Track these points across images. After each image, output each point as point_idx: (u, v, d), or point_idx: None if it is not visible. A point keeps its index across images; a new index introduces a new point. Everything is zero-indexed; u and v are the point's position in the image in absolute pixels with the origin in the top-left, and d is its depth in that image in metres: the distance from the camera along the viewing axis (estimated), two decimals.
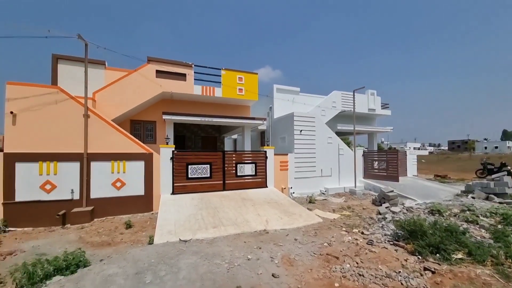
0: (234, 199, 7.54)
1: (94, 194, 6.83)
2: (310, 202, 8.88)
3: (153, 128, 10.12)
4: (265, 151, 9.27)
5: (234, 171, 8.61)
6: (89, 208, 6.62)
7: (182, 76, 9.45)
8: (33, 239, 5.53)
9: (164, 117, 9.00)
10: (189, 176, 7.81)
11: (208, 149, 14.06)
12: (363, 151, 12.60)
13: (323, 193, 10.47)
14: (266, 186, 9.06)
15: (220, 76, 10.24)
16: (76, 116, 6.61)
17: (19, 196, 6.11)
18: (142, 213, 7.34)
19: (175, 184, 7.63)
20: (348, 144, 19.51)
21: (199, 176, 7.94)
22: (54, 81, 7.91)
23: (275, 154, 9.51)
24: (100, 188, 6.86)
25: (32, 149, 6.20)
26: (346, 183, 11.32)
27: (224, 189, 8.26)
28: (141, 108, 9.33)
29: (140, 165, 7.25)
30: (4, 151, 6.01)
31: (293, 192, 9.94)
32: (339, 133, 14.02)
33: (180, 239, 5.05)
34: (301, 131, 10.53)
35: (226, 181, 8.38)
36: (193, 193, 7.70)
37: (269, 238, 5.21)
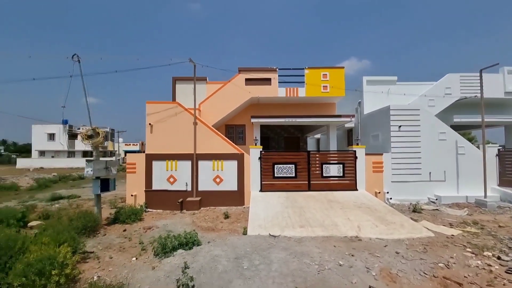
0: (320, 200, 7.34)
1: (201, 187, 8.32)
2: (414, 211, 7.46)
3: (243, 131, 11.30)
4: (354, 151, 8.51)
5: (319, 172, 8.38)
6: (198, 199, 8.11)
7: (267, 81, 10.09)
8: (163, 218, 7.29)
9: (252, 120, 9.89)
10: (276, 175, 8.21)
11: (291, 149, 14.26)
12: (498, 149, 9.38)
13: (433, 202, 8.54)
14: (356, 189, 8.29)
15: (304, 76, 10.22)
16: (188, 124, 8.37)
17: (155, 186, 8.26)
18: (236, 206, 8.31)
19: (263, 182, 8.21)
20: (471, 140, 14.97)
21: (285, 175, 8.21)
22: (174, 98, 10.31)
23: (366, 154, 8.56)
24: (205, 183, 8.30)
25: (161, 151, 8.29)
26: (469, 191, 8.77)
27: (309, 189, 8.17)
28: (233, 114, 10.62)
29: (233, 164, 8.27)
30: (146, 153, 8.31)
31: (390, 198, 8.61)
32: (456, 127, 11.02)
33: (270, 234, 5.39)
34: (399, 126, 8.99)
35: (311, 182, 8.26)
36: (279, 191, 8.04)
37: (362, 246, 4.77)
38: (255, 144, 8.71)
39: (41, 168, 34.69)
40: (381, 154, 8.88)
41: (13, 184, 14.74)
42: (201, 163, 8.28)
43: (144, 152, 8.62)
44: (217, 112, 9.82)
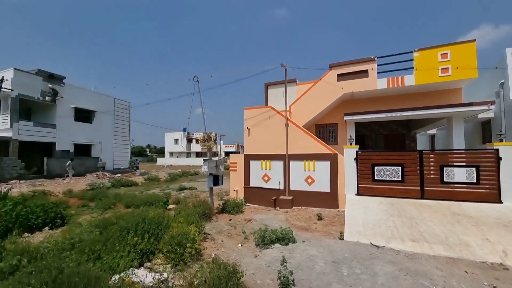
0: (439, 212, 5.93)
1: (292, 187, 8.53)
2: None
3: (334, 130, 10.72)
4: (496, 150, 6.32)
5: (437, 176, 6.76)
6: (290, 198, 8.37)
7: (363, 73, 9.11)
8: (260, 213, 7.98)
9: (346, 118, 9.22)
10: (375, 178, 7.29)
11: (395, 149, 12.21)
12: None
13: None
14: (500, 201, 6.14)
15: (412, 60, 8.52)
16: (280, 126, 8.80)
17: (252, 183, 9.17)
18: (329, 209, 7.99)
19: (359, 185, 7.49)
20: None
21: (388, 179, 7.15)
22: (266, 102, 11.14)
23: None
24: (297, 182, 8.45)
25: (257, 152, 9.13)
26: None
27: (422, 197, 6.76)
28: (324, 113, 10.27)
29: (326, 164, 7.99)
30: (244, 153, 9.39)
31: None
32: None
33: (371, 243, 4.88)
34: None
35: (426, 188, 6.79)
36: (381, 196, 7.08)
37: (511, 278, 3.52)
38: (350, 144, 8.07)
39: (171, 165, 45.57)
40: None
41: (156, 176, 20.16)
42: (292, 163, 8.51)
43: (238, 152, 9.77)
44: (307, 113, 9.81)
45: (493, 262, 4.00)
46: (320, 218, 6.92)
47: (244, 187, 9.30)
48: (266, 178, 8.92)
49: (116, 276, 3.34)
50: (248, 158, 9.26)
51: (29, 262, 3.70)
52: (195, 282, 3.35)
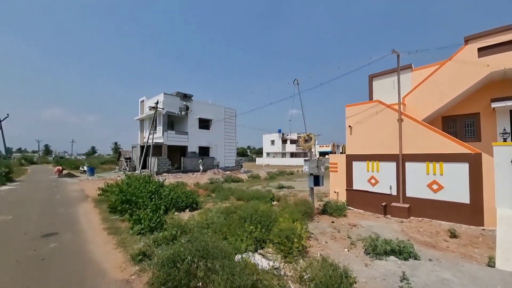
0: None
1: (409, 193, 7.19)
2: None
3: (474, 123, 8.09)
4: None
5: None
6: (406, 206, 7.10)
7: None
8: (366, 219, 7.23)
9: (494, 105, 6.79)
10: None
11: None
12: None
13: None
14: None
15: None
16: (391, 122, 7.60)
17: (356, 186, 8.46)
18: (467, 225, 6.19)
19: None
20: None
21: None
22: (370, 96, 9.87)
23: None
24: (415, 188, 7.05)
25: (361, 152, 8.31)
26: None
27: None
28: (456, 101, 7.93)
29: (462, 167, 6.21)
30: (346, 153, 8.77)
31: None
32: None
33: None
34: None
35: None
36: None
37: None
38: (504, 140, 5.89)
39: (268, 164, 49.00)
40: None
41: (257, 174, 22.32)
42: (409, 165, 7.16)
43: (334, 153, 9.19)
44: (429, 103, 7.91)
45: None
46: (454, 235, 5.49)
47: (346, 190, 8.71)
48: (373, 181, 7.97)
49: (239, 256, 4.02)
50: (351, 158, 8.59)
51: (182, 233, 5.09)
52: (305, 276, 3.51)
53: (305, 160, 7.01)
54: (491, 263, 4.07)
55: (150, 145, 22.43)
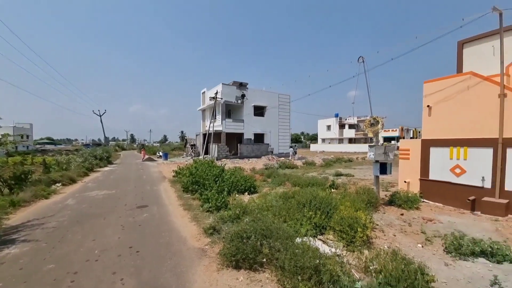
0: None
1: (509, 186, 5.81)
2: None
3: None
4: None
5: None
6: (505, 201, 5.78)
7: None
8: (446, 214, 6.25)
9: None
10: None
11: None
12: None
13: None
14: None
15: None
16: (489, 98, 6.11)
17: (432, 175, 7.31)
18: None
19: None
20: None
21: None
22: (460, 68, 8.02)
23: None
24: None
25: (443, 136, 7.02)
26: None
27: None
28: None
29: None
30: (422, 138, 7.59)
31: None
32: None
33: None
34: None
35: None
36: None
37: None
38: None
39: (323, 151, 46.98)
40: None
41: (312, 161, 21.74)
42: (511, 152, 5.72)
43: (403, 138, 7.97)
44: None
45: None
46: None
47: (420, 180, 7.64)
48: (458, 170, 6.72)
49: (299, 239, 4.12)
50: (428, 144, 7.38)
51: (243, 213, 5.51)
52: (371, 267, 3.35)
53: (370, 146, 6.42)
54: None
55: (211, 133, 24.47)
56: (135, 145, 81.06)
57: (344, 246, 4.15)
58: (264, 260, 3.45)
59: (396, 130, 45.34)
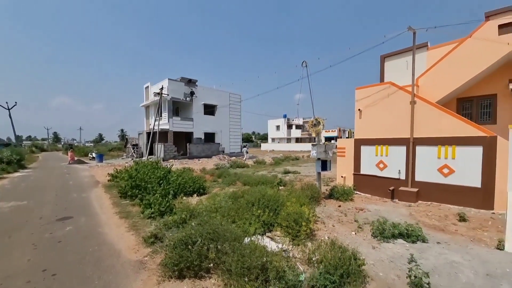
0: None
1: (418, 177, 7.10)
2: None
3: (491, 104, 7.75)
4: None
5: None
6: (415, 190, 7.03)
7: None
8: (373, 203, 7.23)
9: None
10: None
11: None
12: None
13: None
14: None
15: None
16: (403, 105, 7.32)
17: (363, 170, 8.38)
18: (476, 209, 6.13)
19: None
20: None
21: None
22: (382, 78, 9.48)
23: None
24: (425, 172, 6.95)
25: (371, 136, 8.14)
26: None
27: None
28: (472, 82, 7.54)
29: (475, 151, 6.04)
30: (354, 138, 8.62)
31: None
32: None
33: None
34: None
35: None
36: None
37: None
38: None
39: (273, 150, 49.05)
40: None
41: (262, 160, 22.40)
42: (419, 149, 7.00)
43: (340, 137, 9.01)
44: (444, 84, 7.51)
45: None
46: (463, 219, 5.46)
47: (354, 174, 8.66)
48: (381, 165, 7.87)
49: (248, 239, 4.09)
50: (359, 143, 8.44)
51: (191, 217, 5.20)
52: (314, 258, 3.56)
53: (312, 145, 6.92)
54: (500, 246, 4.05)
55: (156, 132, 22.58)
56: (60, 145, 68.55)
57: (290, 241, 4.31)
58: (211, 265, 3.28)
59: (335, 130, 50.77)
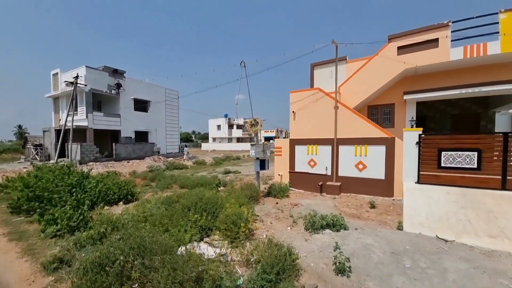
0: None
1: (341, 173, 8.15)
2: None
3: (390, 111, 9.65)
4: None
5: None
6: (338, 184, 8.04)
7: (433, 43, 7.73)
8: (306, 198, 7.89)
9: (406, 97, 8.19)
10: (442, 164, 6.40)
11: (469, 131, 10.47)
12: None
13: None
14: None
15: (498, 23, 6.90)
16: (329, 109, 8.28)
17: (297, 168, 9.07)
18: (382, 197, 7.44)
19: (421, 173, 6.71)
20: None
21: (459, 166, 6.21)
22: (312, 84, 10.54)
23: None
24: (346, 168, 8.03)
25: (303, 136, 8.88)
26: None
27: (503, 188, 5.71)
28: (379, 92, 9.24)
29: (381, 149, 7.34)
30: (290, 138, 9.23)
31: None
32: None
33: (437, 236, 4.40)
34: None
35: (509, 178, 5.70)
36: (449, 186, 6.23)
37: None
38: (411, 126, 7.20)
39: (214, 150, 48.18)
40: None
41: (202, 160, 21.63)
42: (342, 148, 8.05)
43: (278, 137, 9.62)
44: (359, 93, 8.96)
45: None
46: (373, 206, 6.52)
47: (289, 172, 9.27)
48: (312, 163, 8.69)
49: (183, 247, 3.75)
50: (294, 143, 9.10)
51: (113, 230, 4.43)
52: (252, 259, 3.54)
53: (251, 145, 7.02)
54: (400, 227, 4.97)
55: (69, 129, 18.71)
56: None
57: (229, 244, 4.19)
58: (136, 286, 2.82)
59: (273, 131, 53.82)
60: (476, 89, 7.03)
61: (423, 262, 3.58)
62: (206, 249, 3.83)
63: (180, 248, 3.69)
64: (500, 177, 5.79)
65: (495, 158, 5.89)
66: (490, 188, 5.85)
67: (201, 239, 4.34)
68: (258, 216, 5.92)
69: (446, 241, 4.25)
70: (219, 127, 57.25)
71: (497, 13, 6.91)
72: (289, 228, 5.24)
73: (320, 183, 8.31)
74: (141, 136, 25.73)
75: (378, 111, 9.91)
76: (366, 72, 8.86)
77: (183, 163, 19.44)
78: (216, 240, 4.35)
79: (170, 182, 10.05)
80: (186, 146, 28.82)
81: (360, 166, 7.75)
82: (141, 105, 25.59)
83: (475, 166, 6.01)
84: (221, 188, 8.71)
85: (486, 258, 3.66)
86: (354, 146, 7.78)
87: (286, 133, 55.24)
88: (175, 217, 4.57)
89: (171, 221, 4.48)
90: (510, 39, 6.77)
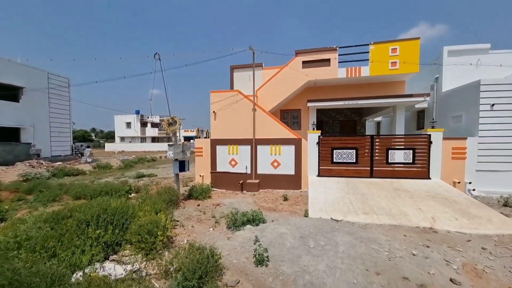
0: (384, 188, 6.91)
1: (259, 171, 8.79)
2: (505, 205, 6.40)
3: (298, 116, 11.21)
4: (429, 135, 7.55)
5: (383, 158, 7.80)
6: (257, 181, 8.63)
7: (326, 62, 9.60)
8: (228, 197, 8.06)
9: (309, 104, 9.70)
10: (334, 160, 8.02)
11: (349, 134, 13.50)
12: None
13: None
14: (429, 178, 7.46)
15: (368, 52, 9.31)
16: (247, 111, 8.76)
17: (219, 168, 9.12)
18: (293, 190, 8.54)
19: (320, 167, 8.15)
20: None
21: (344, 161, 7.94)
22: (232, 86, 10.86)
23: (444, 139, 7.51)
24: (263, 166, 8.73)
25: (224, 136, 9.01)
26: None
27: (371, 176, 7.75)
28: (289, 98, 10.58)
29: (291, 148, 8.40)
30: (210, 138, 9.15)
31: (473, 189, 7.48)
32: None
33: (331, 218, 5.44)
34: (492, 105, 7.49)
35: (375, 168, 7.79)
36: (338, 177, 7.86)
37: (439, 239, 4.40)
38: (312, 129, 8.62)
39: (123, 151, 41.63)
40: (465, 139, 7.63)
41: (107, 164, 18.29)
42: (259, 148, 8.69)
43: (199, 137, 9.50)
44: (273, 98, 9.95)
45: (425, 226, 4.91)
46: (285, 199, 7.36)
47: (211, 172, 9.20)
48: (233, 162, 8.95)
49: (80, 273, 3.06)
50: (215, 142, 9.09)
51: None
52: (171, 269, 3.30)
53: (169, 145, 6.51)
54: (306, 214, 5.84)
55: None
56: None
57: (143, 257, 3.74)
58: None
59: (194, 130, 51.80)
60: (354, 102, 9.25)
61: (322, 240, 4.35)
62: (114, 269, 3.29)
63: (75, 275, 3.01)
64: (369, 168, 7.81)
65: (366, 154, 7.90)
66: (363, 176, 7.79)
67: (106, 258, 3.68)
68: (178, 221, 5.58)
69: (337, 221, 5.32)
70: (128, 124, 49.86)
71: (367, 45, 9.32)
72: (211, 229, 5.20)
73: (241, 182, 8.66)
74: (10, 134, 19.09)
75: (289, 115, 11.35)
76: (278, 80, 10.00)
77: (78, 167, 15.80)
78: (126, 256, 3.79)
79: (58, 193, 7.97)
80: (88, 147, 23.52)
81: (275, 164, 8.61)
82: (8, 92, 18.92)
83: (354, 160, 7.84)
84: (133, 195, 7.65)
85: (362, 230, 4.81)
86: (270, 146, 8.58)
87: (207, 132, 54.46)
88: (67, 236, 3.66)
89: (61, 243, 3.56)
90: (376, 66, 9.26)
